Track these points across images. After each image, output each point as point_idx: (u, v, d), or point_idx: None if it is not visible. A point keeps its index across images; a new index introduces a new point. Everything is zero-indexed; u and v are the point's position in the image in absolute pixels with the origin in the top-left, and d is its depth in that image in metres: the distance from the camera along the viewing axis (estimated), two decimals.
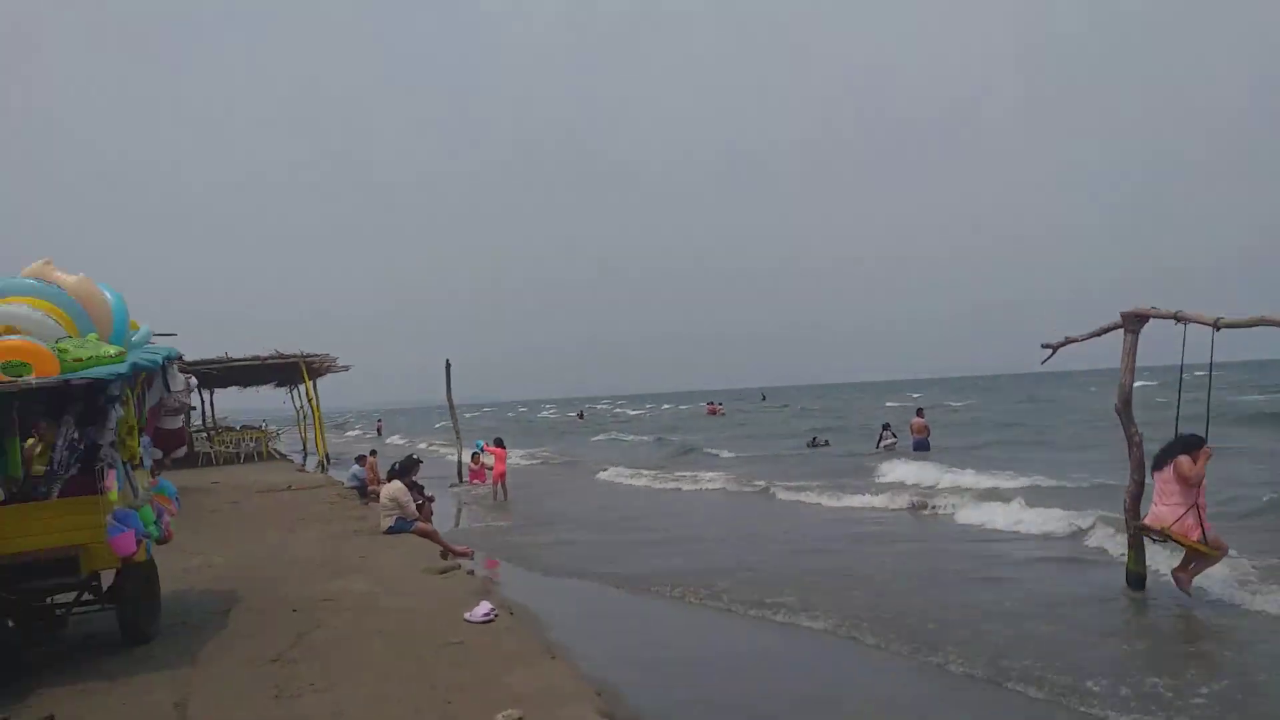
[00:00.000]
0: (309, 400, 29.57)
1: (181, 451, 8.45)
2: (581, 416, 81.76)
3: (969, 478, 18.22)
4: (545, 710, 5.20)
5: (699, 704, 6.47)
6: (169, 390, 7.40)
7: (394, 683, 5.95)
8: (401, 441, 49.54)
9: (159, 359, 7.10)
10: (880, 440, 28.05)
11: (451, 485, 23.05)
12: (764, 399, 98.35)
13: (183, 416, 8.00)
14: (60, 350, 6.30)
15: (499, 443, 21.38)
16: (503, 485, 20.26)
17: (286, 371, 29.48)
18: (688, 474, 23.15)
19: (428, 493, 14.55)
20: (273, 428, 40.62)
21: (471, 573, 10.38)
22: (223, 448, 30.43)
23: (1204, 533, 7.96)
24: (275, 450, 35.45)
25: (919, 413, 27.80)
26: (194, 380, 7.78)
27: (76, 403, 6.55)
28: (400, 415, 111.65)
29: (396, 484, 12.87)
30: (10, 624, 6.17)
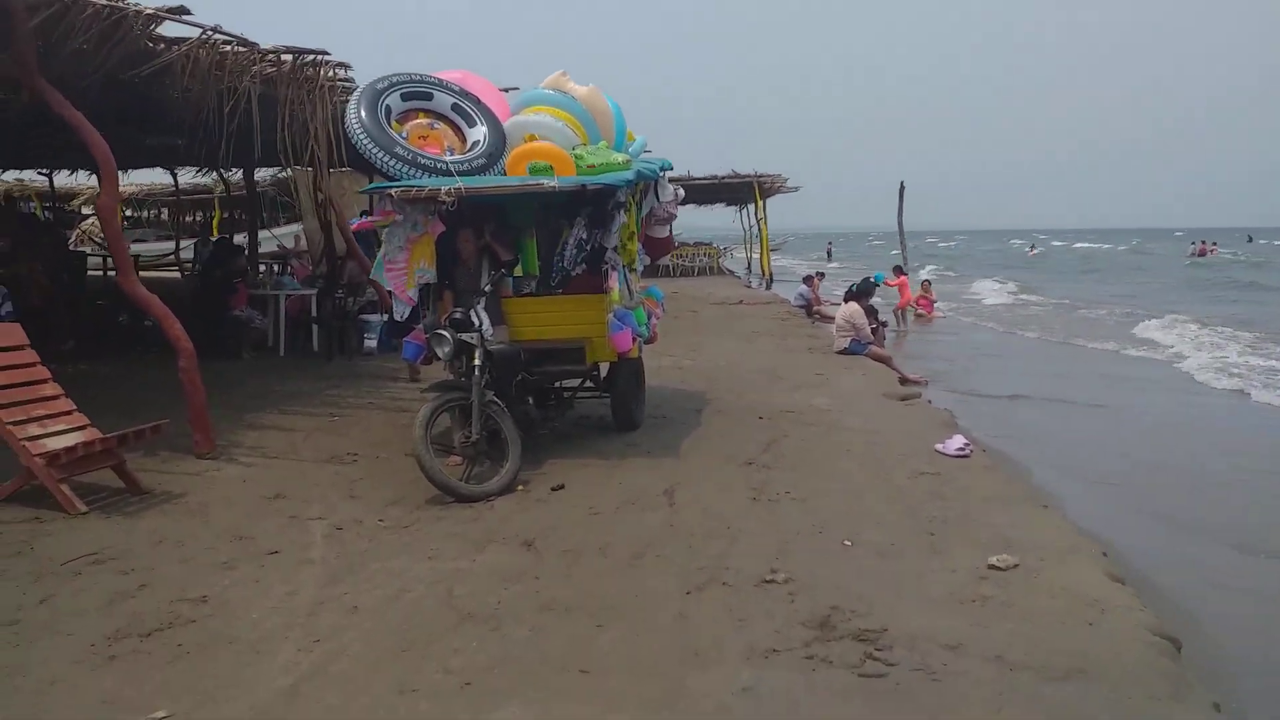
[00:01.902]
0: (759, 220, 30.24)
1: (666, 259, 8.88)
2: (1033, 250, 75.68)
3: None
4: (1042, 561, 4.72)
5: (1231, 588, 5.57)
6: (659, 200, 7.65)
7: (869, 502, 5.81)
8: (838, 267, 49.51)
9: (656, 169, 7.31)
10: None
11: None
12: (1250, 240, 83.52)
13: (669, 226, 8.29)
14: (576, 156, 6.69)
15: (898, 270, 20.77)
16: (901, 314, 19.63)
17: (739, 191, 30.26)
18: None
19: (881, 317, 14.19)
20: (721, 245, 42.49)
21: (929, 401, 9.97)
22: (679, 260, 32.45)
23: None
24: (725, 267, 37.16)
25: None
26: (681, 192, 7.99)
27: (586, 206, 6.97)
28: (844, 239, 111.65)
29: (853, 305, 12.65)
30: (530, 402, 6.94)
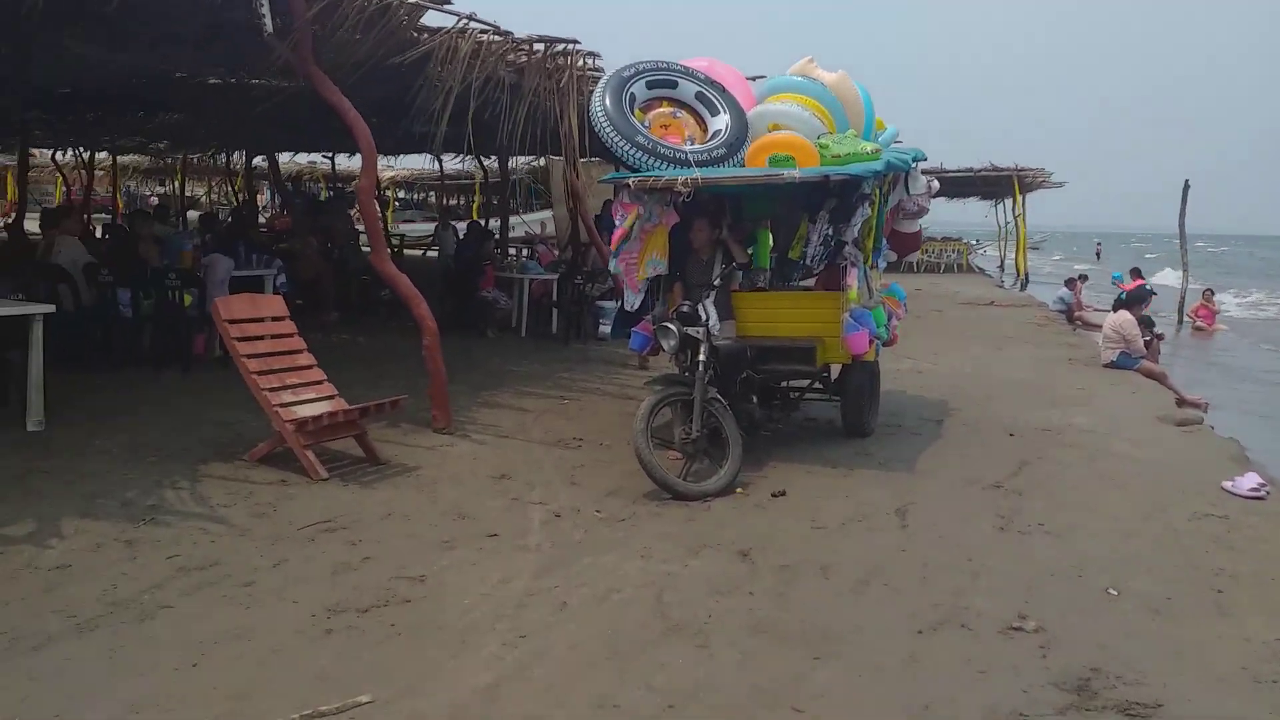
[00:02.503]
0: (1016, 216, 28.19)
1: (915, 256, 8.29)
2: None
3: None
4: None
5: None
6: (909, 193, 7.08)
7: (1138, 545, 5.05)
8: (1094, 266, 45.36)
9: (909, 159, 6.77)
10: None
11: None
12: None
13: (919, 221, 7.69)
14: (821, 146, 6.30)
15: (1136, 273, 18.43)
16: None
17: (995, 185, 28.33)
18: None
19: (1157, 330, 12.70)
20: (972, 241, 40.18)
21: (1212, 428, 8.72)
22: (924, 256, 30.89)
23: None
24: (975, 264, 35.07)
25: None
26: (935, 184, 7.36)
27: (831, 198, 6.56)
28: (1112, 240, 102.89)
29: (1124, 314, 11.36)
30: (754, 400, 6.64)
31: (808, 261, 6.72)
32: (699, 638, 3.80)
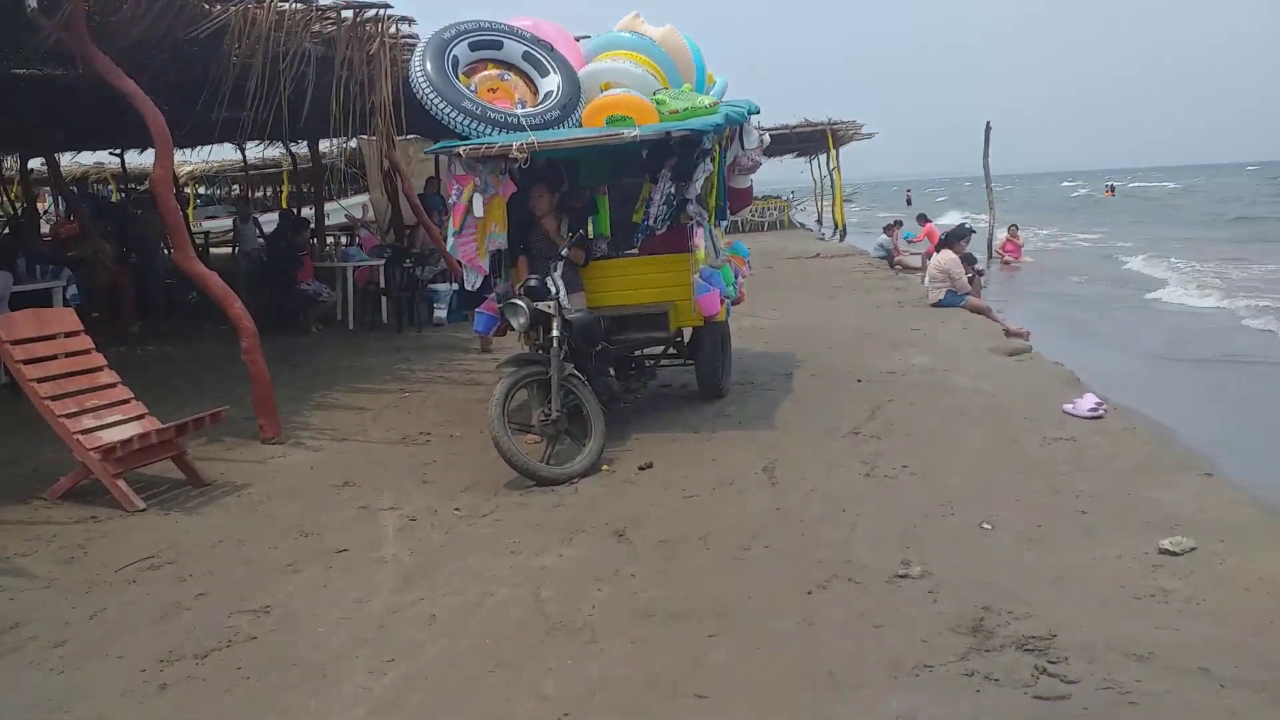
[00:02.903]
0: (832, 169, 29.06)
1: (743, 214, 8.22)
2: (1111, 192, 72.26)
3: None
4: (1223, 543, 4.01)
5: None
6: (744, 148, 6.94)
7: (1001, 476, 5.12)
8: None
9: (744, 112, 6.61)
10: None
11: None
12: None
13: (751, 177, 7.58)
14: (658, 102, 6.07)
15: (923, 219, 19.71)
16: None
17: (810, 140, 29.07)
18: None
19: (978, 266, 13.28)
20: (787, 198, 41.29)
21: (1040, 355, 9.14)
22: (749, 215, 31.45)
23: None
24: (796, 220, 36.05)
25: None
26: (766, 138, 7.24)
27: (670, 156, 6.34)
28: (922, 187, 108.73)
29: (947, 254, 11.78)
30: (611, 373, 6.39)
31: (651, 223, 6.50)
32: (586, 633, 3.53)
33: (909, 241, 20.38)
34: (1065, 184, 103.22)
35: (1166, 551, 3.95)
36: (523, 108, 6.47)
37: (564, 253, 6.14)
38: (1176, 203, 53.11)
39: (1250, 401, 8.55)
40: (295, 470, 5.83)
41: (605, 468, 5.53)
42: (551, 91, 6.56)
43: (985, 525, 4.42)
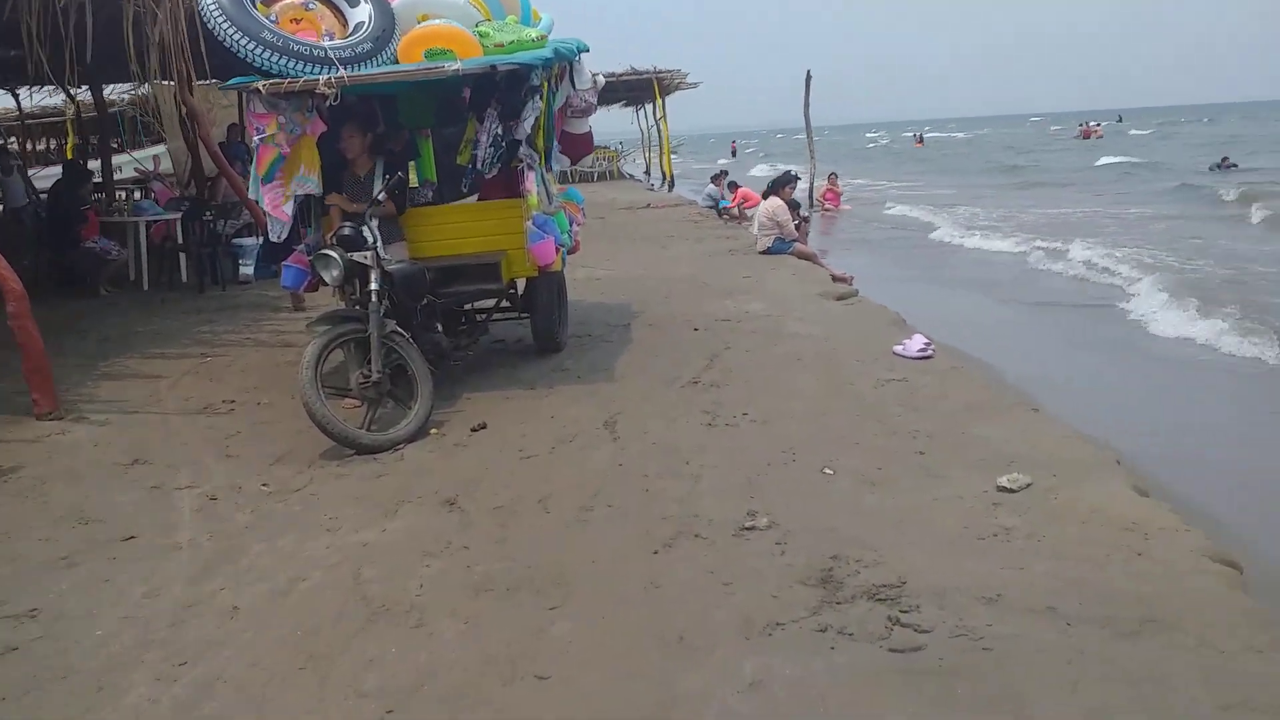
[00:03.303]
0: (658, 119, 28.95)
1: (588, 160, 7.83)
2: (920, 141, 76.20)
3: None
4: (1056, 478, 4.07)
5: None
6: (575, 88, 6.55)
7: (839, 420, 5.08)
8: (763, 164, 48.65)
9: (574, 49, 6.21)
10: None
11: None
12: (1120, 120, 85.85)
13: (589, 121, 7.20)
14: (481, 34, 5.60)
15: (724, 183, 19.72)
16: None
17: (637, 89, 28.81)
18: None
19: (803, 213, 13.47)
20: (616, 149, 41.07)
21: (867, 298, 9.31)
22: (578, 166, 31.07)
23: None
24: (625, 171, 35.91)
25: None
26: (600, 79, 6.86)
27: (496, 93, 5.88)
28: (750, 138, 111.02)
29: (775, 201, 11.84)
30: (439, 328, 5.96)
31: (479, 166, 6.05)
32: (413, 615, 3.19)
33: (725, 209, 19.79)
34: (869, 134, 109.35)
35: (1004, 489, 3.97)
36: (331, 40, 5.87)
37: (380, 198, 5.64)
38: (965, 151, 56.66)
39: (1056, 338, 9.02)
40: (76, 449, 5.14)
41: (434, 431, 5.14)
42: (363, 23, 5.97)
43: (827, 470, 4.34)
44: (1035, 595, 3.09)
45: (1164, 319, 8.94)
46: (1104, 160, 38.05)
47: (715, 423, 5.11)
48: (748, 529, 3.74)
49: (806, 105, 22.41)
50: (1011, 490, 3.96)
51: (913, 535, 3.62)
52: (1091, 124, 67.74)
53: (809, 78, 21.89)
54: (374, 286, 5.16)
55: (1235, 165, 29.16)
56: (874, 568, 3.36)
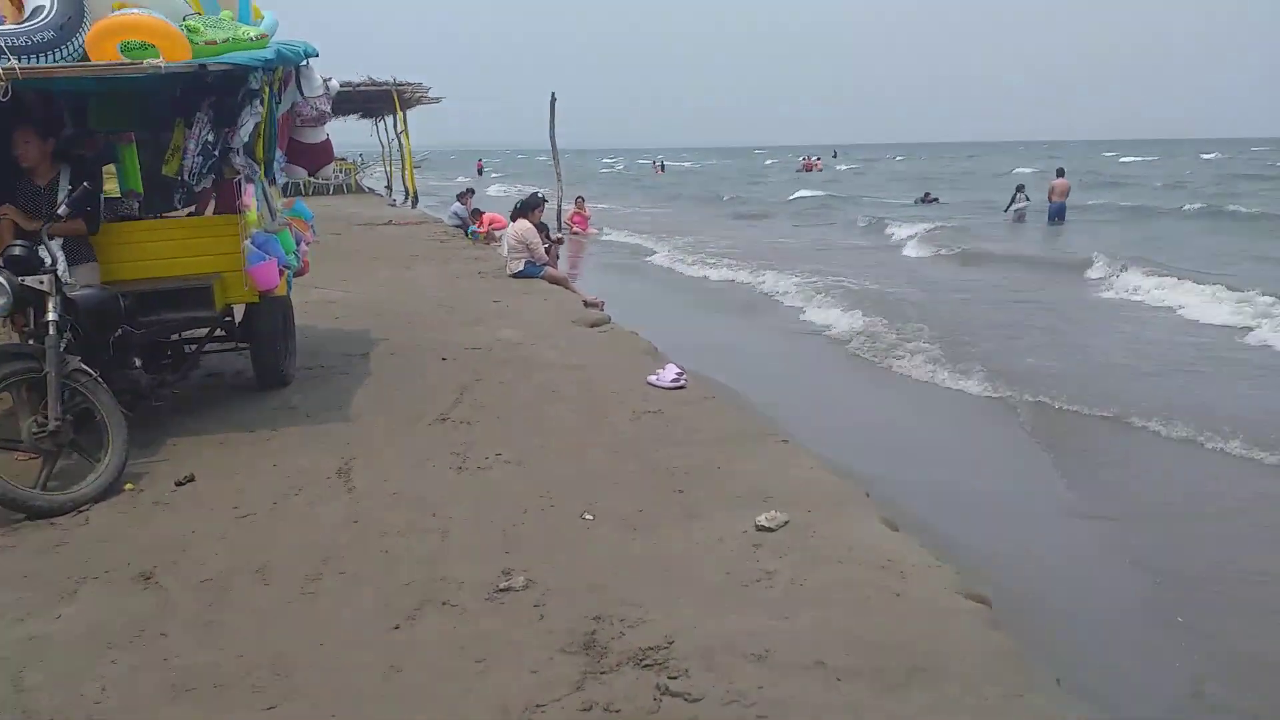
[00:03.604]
0: (400, 133, 27.93)
1: (329, 170, 7.15)
2: (662, 169, 79.22)
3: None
4: (811, 514, 4.04)
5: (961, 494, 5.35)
6: (303, 95, 5.92)
7: (597, 457, 4.84)
8: (499, 183, 48.17)
9: (300, 52, 5.60)
10: (1012, 203, 25.81)
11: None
12: (835, 156, 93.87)
13: (325, 130, 6.55)
14: (190, 29, 4.87)
15: (470, 209, 19.55)
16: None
17: (376, 101, 27.67)
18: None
19: (555, 235, 13.29)
20: (355, 161, 39.32)
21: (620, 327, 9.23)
22: (311, 179, 29.37)
23: None
24: (364, 185, 34.43)
25: (1059, 173, 25.49)
26: (334, 83, 6.24)
27: (209, 96, 5.17)
28: (498, 157, 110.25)
29: (524, 224, 11.55)
30: (137, 364, 5.15)
31: (187, 177, 5.30)
32: None
33: (475, 233, 19.00)
34: (606, 160, 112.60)
35: (763, 528, 3.88)
36: (2, 24, 4.96)
37: (61, 213, 4.79)
38: (697, 179, 59.69)
39: (787, 364, 9.38)
40: None
41: (128, 486, 4.40)
42: (43, 6, 5.07)
43: (587, 516, 4.08)
44: (803, 648, 2.97)
45: (863, 346, 9.50)
46: (800, 194, 39.88)
47: (466, 466, 4.72)
48: (503, 590, 3.40)
49: (552, 127, 22.32)
50: (771, 529, 3.88)
51: (677, 586, 3.43)
52: (813, 158, 73.36)
53: (554, 100, 21.87)
54: (52, 317, 4.36)
55: (937, 200, 32.31)
56: (639, 627, 3.12)
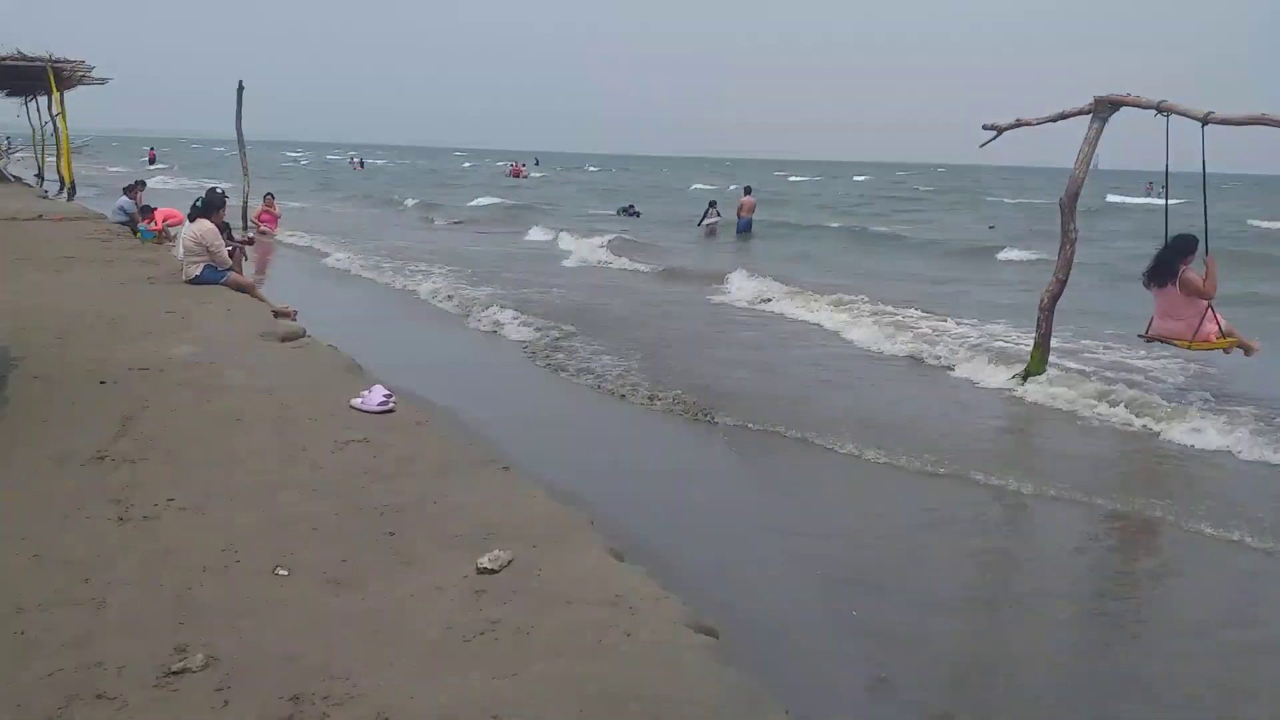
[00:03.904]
0: (57, 115, 24.48)
1: None
2: (361, 165, 76.51)
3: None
4: (536, 549, 3.80)
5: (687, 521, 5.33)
6: None
7: (292, 497, 4.30)
8: (168, 176, 43.67)
9: None
10: (705, 217, 27.24)
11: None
12: (538, 163, 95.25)
13: None
14: None
15: (137, 187, 18.53)
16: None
17: (28, 77, 24.09)
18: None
19: (239, 237, 12.11)
20: (3, 143, 34.25)
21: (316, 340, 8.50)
22: None
23: (1219, 325, 7.88)
24: (9, 173, 29.93)
25: (747, 191, 27.47)
26: None
27: None
28: (173, 146, 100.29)
29: (205, 224, 10.37)
30: None
31: None
32: None
33: (143, 233, 16.90)
34: (289, 154, 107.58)
35: (486, 570, 3.60)
36: None
37: None
38: (398, 177, 58.01)
39: (496, 378, 9.14)
40: None
41: None
42: None
43: (281, 571, 3.58)
44: (533, 709, 2.73)
45: (562, 360, 9.51)
46: (481, 200, 39.05)
47: (130, 515, 4.01)
48: (175, 674, 2.85)
49: (239, 118, 20.68)
50: (494, 570, 3.60)
51: (390, 648, 3.05)
52: (520, 164, 73.69)
53: (240, 88, 20.22)
54: None
55: (639, 214, 33.12)
56: (346, 704, 2.73)
